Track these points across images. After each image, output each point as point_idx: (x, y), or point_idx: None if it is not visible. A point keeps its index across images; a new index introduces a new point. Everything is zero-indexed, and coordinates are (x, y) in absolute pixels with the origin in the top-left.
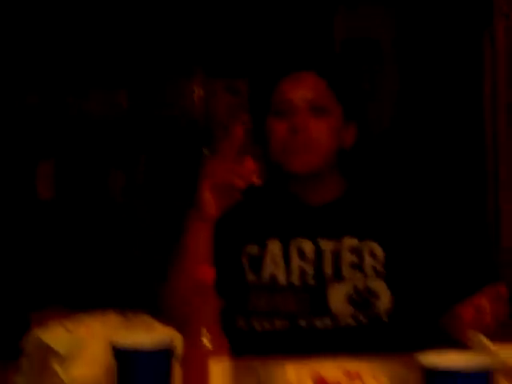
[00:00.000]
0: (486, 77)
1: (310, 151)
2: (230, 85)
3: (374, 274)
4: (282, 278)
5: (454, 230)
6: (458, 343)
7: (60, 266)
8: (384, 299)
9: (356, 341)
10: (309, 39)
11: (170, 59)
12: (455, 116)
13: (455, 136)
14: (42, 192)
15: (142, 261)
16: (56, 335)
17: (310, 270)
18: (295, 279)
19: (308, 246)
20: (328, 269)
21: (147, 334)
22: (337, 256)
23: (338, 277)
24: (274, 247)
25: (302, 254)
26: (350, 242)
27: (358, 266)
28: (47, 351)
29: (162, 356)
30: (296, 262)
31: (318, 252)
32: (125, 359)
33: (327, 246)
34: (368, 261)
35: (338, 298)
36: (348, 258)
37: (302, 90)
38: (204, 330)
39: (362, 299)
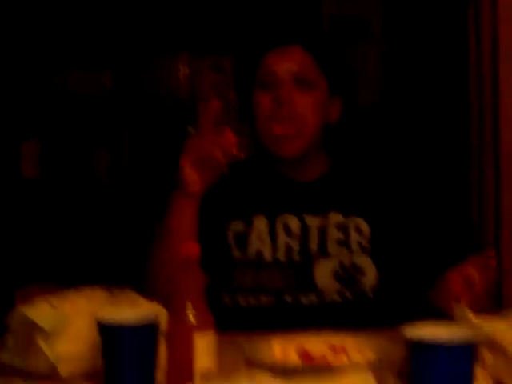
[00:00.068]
0: (471, 50)
1: (295, 125)
2: (216, 63)
3: (360, 250)
4: (267, 254)
5: (438, 205)
6: (444, 318)
7: (45, 243)
8: (370, 275)
9: (341, 317)
10: (297, 14)
11: (155, 38)
12: (441, 93)
13: (441, 113)
14: (27, 171)
15: (127, 238)
16: (41, 311)
17: (295, 246)
18: (281, 255)
19: (294, 222)
20: (314, 245)
21: (132, 310)
22: (323, 232)
23: (324, 253)
24: (260, 223)
25: (288, 230)
26: (335, 217)
27: (344, 243)
28: (32, 327)
29: (146, 331)
30: (282, 238)
31: (304, 228)
32: (110, 335)
33: (313, 222)
34: (354, 237)
35: (323, 274)
36: (334, 234)
37: (288, 63)
38: (189, 305)
39: (347, 275)
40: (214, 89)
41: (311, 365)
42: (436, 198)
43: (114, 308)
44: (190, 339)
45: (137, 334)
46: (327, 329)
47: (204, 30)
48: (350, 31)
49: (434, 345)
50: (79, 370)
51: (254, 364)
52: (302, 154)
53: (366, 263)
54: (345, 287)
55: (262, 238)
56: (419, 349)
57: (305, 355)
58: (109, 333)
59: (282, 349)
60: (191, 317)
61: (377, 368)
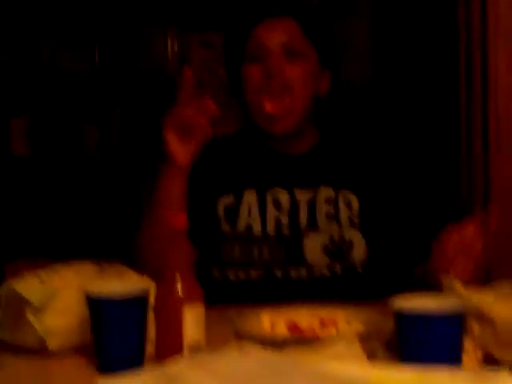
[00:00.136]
0: (460, 22)
1: (286, 99)
2: (205, 39)
3: (349, 224)
4: (257, 228)
5: (428, 178)
6: (432, 291)
7: (35, 219)
8: (359, 249)
9: (331, 290)
10: None
11: (143, 14)
12: (430, 66)
13: (430, 86)
14: (16, 148)
15: (117, 212)
16: (30, 285)
17: (285, 220)
18: (271, 229)
19: (284, 196)
20: (303, 219)
21: (121, 283)
22: (312, 206)
23: (314, 227)
24: (251, 197)
25: (277, 205)
26: (325, 192)
27: (334, 217)
28: (21, 301)
29: (135, 304)
30: (272, 212)
31: (294, 202)
32: (98, 308)
33: (303, 196)
34: (343, 211)
35: (313, 248)
36: (323, 208)
37: (277, 35)
38: (178, 278)
39: (337, 249)
40: (203, 65)
41: (300, 336)
42: (425, 171)
43: (103, 281)
44: (179, 312)
45: (125, 307)
46: (316, 302)
47: (193, 6)
48: (339, 6)
49: (421, 315)
50: (68, 343)
51: (243, 336)
52: (293, 131)
53: (355, 237)
54: (334, 261)
55: (251, 212)
56: (406, 319)
57: (294, 327)
58: (97, 306)
59: (272, 321)
60: (180, 289)
61: (365, 339)
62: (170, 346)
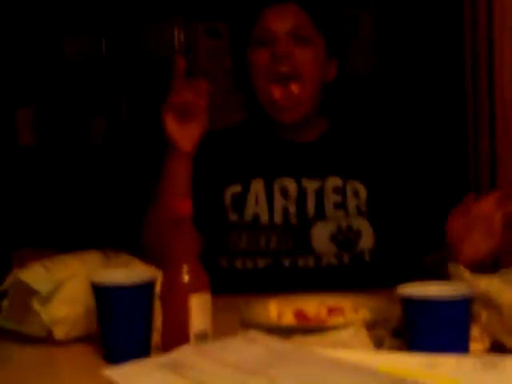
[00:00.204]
0: (466, 15)
1: (294, 83)
2: (211, 28)
3: (357, 213)
4: (264, 217)
5: (436, 167)
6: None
7: (42, 208)
8: (367, 238)
9: (338, 279)
10: None
11: (149, 3)
12: (436, 54)
13: (436, 77)
14: (23, 138)
15: (123, 201)
16: (36, 275)
17: (292, 209)
18: (278, 219)
19: (291, 185)
20: (311, 208)
21: (127, 271)
22: (320, 195)
23: (321, 216)
24: (258, 186)
25: (285, 194)
26: (333, 181)
27: (342, 205)
28: (27, 291)
29: (141, 292)
30: (279, 201)
31: (301, 191)
32: (104, 296)
33: (311, 185)
34: (351, 200)
35: (321, 237)
36: (331, 197)
37: (284, 19)
38: (184, 266)
39: (345, 238)
40: (209, 54)
41: (307, 325)
42: (433, 159)
43: (109, 270)
44: (185, 299)
45: (131, 295)
46: (323, 291)
47: None
48: None
49: (427, 300)
50: (75, 332)
51: (249, 325)
52: (302, 119)
53: (363, 226)
54: (342, 250)
55: (259, 201)
56: (413, 305)
57: (301, 316)
58: (103, 294)
59: (279, 310)
60: (186, 277)
61: (372, 327)
62: (177, 335)
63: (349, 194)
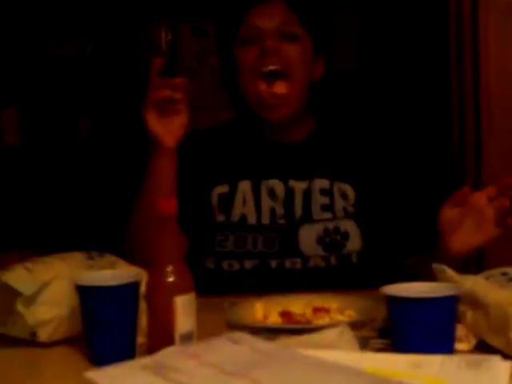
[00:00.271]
0: (451, 7)
1: (282, 81)
2: (197, 27)
3: (345, 215)
4: (252, 218)
5: (422, 167)
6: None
7: (27, 209)
8: (354, 240)
9: (325, 281)
10: None
11: (136, 3)
12: (421, 53)
13: (420, 74)
14: (8, 138)
15: (110, 202)
16: (19, 276)
17: (280, 210)
18: (265, 220)
19: (279, 186)
20: (298, 210)
21: (111, 272)
22: (307, 197)
23: (309, 218)
24: (245, 187)
25: (272, 194)
26: (320, 182)
27: (329, 207)
28: (11, 293)
29: (126, 293)
30: (267, 202)
31: (289, 192)
32: (89, 297)
33: (298, 186)
34: (339, 202)
35: (308, 239)
36: (319, 199)
37: (271, 17)
38: (168, 266)
39: (332, 240)
40: (196, 54)
41: (292, 325)
42: (419, 158)
43: (93, 271)
44: (170, 301)
45: (116, 296)
46: (310, 291)
47: None
48: None
49: (413, 300)
50: (59, 334)
51: (235, 326)
52: (290, 118)
53: (350, 228)
54: (329, 252)
55: (246, 202)
56: (397, 304)
57: (286, 316)
58: (88, 295)
59: (264, 310)
60: (171, 278)
61: (358, 327)
62: (162, 336)
63: (336, 195)
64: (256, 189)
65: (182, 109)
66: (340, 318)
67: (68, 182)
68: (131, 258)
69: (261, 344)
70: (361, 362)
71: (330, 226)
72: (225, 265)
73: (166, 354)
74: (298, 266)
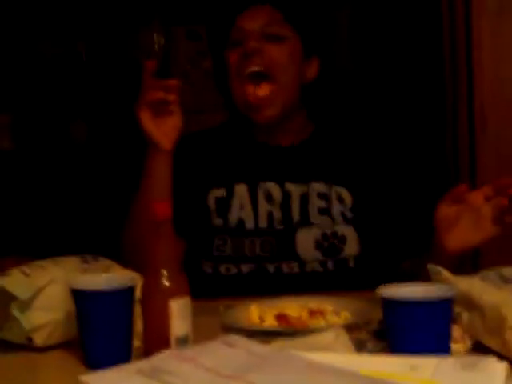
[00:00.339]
0: (444, 6)
1: (267, 83)
2: (191, 31)
3: (342, 219)
4: (249, 222)
5: (418, 170)
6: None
7: (21, 213)
8: (352, 244)
9: (323, 286)
10: None
11: (129, 6)
12: (415, 55)
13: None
14: (1, 144)
15: (105, 206)
16: (15, 281)
17: (277, 214)
18: (263, 223)
19: (275, 190)
20: (296, 213)
21: (106, 276)
22: (305, 201)
23: (306, 222)
24: (242, 191)
25: (269, 198)
26: (317, 186)
27: (327, 211)
28: (7, 297)
29: (121, 297)
30: (264, 206)
31: (286, 195)
32: (84, 301)
33: (295, 190)
34: (336, 206)
35: (305, 243)
36: (316, 203)
37: (255, 19)
38: (163, 269)
39: (329, 244)
40: (189, 58)
41: (288, 328)
42: (415, 163)
43: (88, 275)
44: (165, 304)
45: (111, 300)
46: (305, 293)
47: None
48: None
49: (408, 301)
50: (55, 338)
51: (231, 329)
52: (279, 119)
53: (348, 232)
54: (327, 257)
55: (243, 206)
56: (393, 306)
57: (282, 319)
58: (83, 299)
59: (260, 313)
60: (166, 282)
61: (354, 330)
62: (157, 340)
63: (333, 199)
64: (253, 192)
65: (175, 110)
66: (336, 320)
67: (63, 186)
68: (126, 262)
69: (256, 347)
70: (356, 365)
71: (328, 230)
72: (222, 269)
73: (161, 358)
74: (296, 270)
